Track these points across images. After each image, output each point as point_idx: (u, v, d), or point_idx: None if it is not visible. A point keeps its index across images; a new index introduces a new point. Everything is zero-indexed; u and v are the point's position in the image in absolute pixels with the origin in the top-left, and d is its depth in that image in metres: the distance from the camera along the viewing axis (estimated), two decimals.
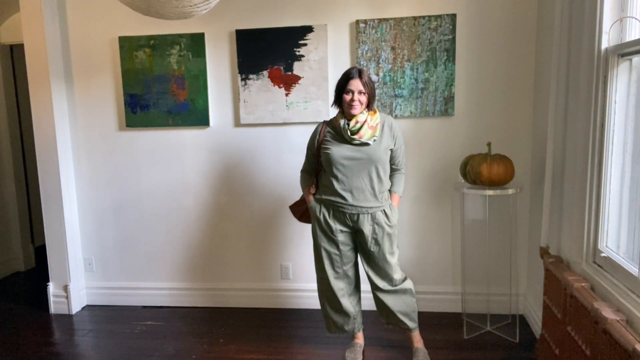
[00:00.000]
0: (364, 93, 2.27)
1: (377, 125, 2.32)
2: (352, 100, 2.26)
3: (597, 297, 1.80)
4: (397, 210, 2.48)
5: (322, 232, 2.43)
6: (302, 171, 2.58)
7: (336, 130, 2.36)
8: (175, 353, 2.73)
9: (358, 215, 2.35)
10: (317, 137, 2.42)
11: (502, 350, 2.65)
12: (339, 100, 2.34)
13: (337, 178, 2.33)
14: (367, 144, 2.30)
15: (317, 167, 2.47)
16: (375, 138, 2.32)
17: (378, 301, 2.52)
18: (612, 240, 1.92)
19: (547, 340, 2.26)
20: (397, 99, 2.94)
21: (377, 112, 2.36)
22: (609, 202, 1.91)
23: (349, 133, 2.29)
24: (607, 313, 1.64)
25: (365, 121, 2.29)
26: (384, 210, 2.38)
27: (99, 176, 3.34)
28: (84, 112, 3.29)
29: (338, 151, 2.32)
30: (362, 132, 2.28)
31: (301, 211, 2.63)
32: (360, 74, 2.27)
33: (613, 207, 1.91)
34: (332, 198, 2.37)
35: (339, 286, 2.49)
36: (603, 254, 1.92)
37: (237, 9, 3.04)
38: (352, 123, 2.29)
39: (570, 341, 1.96)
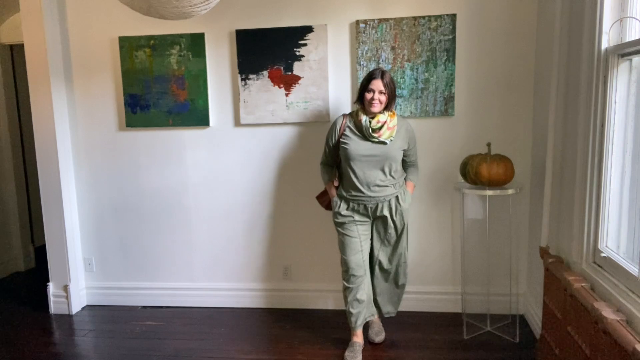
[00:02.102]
0: (384, 93, 2.45)
1: (395, 127, 2.52)
2: (372, 98, 2.44)
3: (597, 297, 1.80)
4: (410, 196, 2.68)
5: (344, 219, 2.59)
6: (321, 163, 2.73)
7: (357, 126, 2.52)
8: (175, 353, 2.74)
9: (377, 204, 2.55)
10: (338, 130, 2.56)
11: (502, 350, 2.65)
12: (361, 98, 2.50)
13: (354, 172, 2.51)
14: (384, 143, 2.48)
15: (337, 159, 2.63)
16: (392, 138, 2.51)
17: (379, 283, 2.76)
18: (612, 240, 1.92)
19: (547, 340, 2.26)
20: (397, 99, 2.94)
21: (396, 115, 2.55)
22: (609, 202, 1.91)
23: (370, 131, 2.45)
24: (607, 313, 1.64)
25: (385, 122, 2.48)
26: (397, 196, 2.59)
27: (99, 176, 3.34)
28: (84, 112, 3.29)
29: (356, 147, 2.50)
30: (381, 131, 2.47)
31: (327, 201, 2.75)
32: (382, 75, 2.45)
33: (613, 207, 1.91)
34: (352, 191, 2.55)
35: (361, 273, 2.60)
36: (603, 254, 1.92)
37: (237, 9, 3.04)
38: (374, 122, 2.47)
39: (570, 341, 1.96)
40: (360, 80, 2.73)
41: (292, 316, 3.17)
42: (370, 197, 2.52)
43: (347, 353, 2.60)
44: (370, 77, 2.46)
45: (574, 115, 2.19)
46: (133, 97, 3.18)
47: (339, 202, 2.60)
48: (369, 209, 2.56)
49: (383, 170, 2.50)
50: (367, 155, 2.48)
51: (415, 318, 3.06)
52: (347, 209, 2.58)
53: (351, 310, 2.63)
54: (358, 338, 2.66)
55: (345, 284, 2.63)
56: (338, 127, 2.57)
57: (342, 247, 2.62)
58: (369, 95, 2.45)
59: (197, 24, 3.05)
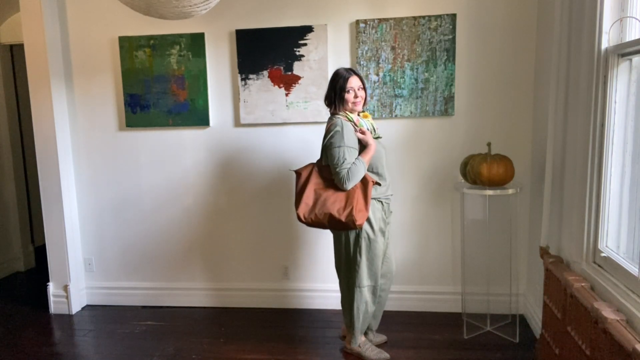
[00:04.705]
0: (363, 88, 2.40)
1: None
2: (355, 96, 2.37)
3: (597, 297, 1.80)
4: None
5: (381, 232, 2.43)
6: (348, 163, 2.28)
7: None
8: (175, 353, 2.73)
9: (391, 202, 2.54)
10: (354, 130, 2.35)
11: (502, 350, 2.65)
12: (340, 102, 2.37)
13: (384, 171, 2.45)
14: (379, 137, 2.50)
15: None
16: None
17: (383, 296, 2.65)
18: (612, 240, 1.92)
19: (547, 340, 2.26)
20: (397, 99, 2.94)
21: None
22: (609, 202, 1.91)
23: (374, 128, 2.45)
24: (607, 313, 1.64)
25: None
26: None
27: (99, 176, 3.34)
28: (84, 112, 3.29)
29: (381, 147, 2.45)
30: (376, 127, 2.49)
31: (365, 214, 2.30)
32: (354, 72, 2.40)
33: (613, 207, 1.91)
34: (386, 192, 2.46)
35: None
36: (603, 254, 1.92)
37: (237, 9, 3.04)
38: (370, 121, 2.46)
39: (570, 341, 1.96)
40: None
41: (292, 316, 3.17)
42: (391, 195, 2.51)
43: (371, 353, 2.55)
44: (344, 78, 2.34)
45: (574, 115, 2.19)
46: (133, 97, 3.18)
47: (377, 207, 2.39)
48: (389, 207, 2.52)
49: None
50: (385, 154, 2.47)
51: (415, 318, 3.06)
52: (383, 213, 2.43)
53: (366, 320, 2.55)
54: (363, 337, 2.63)
55: (371, 301, 2.47)
56: (353, 128, 2.34)
57: (375, 258, 2.39)
58: (350, 96, 2.35)
59: (197, 23, 3.05)
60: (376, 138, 2.46)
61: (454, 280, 3.12)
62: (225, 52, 3.09)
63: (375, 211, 2.37)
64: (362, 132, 2.35)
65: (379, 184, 2.36)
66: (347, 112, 2.40)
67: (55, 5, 3.12)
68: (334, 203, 2.27)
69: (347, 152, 2.28)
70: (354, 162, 2.28)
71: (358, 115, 2.45)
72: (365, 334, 2.68)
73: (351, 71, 2.38)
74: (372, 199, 2.33)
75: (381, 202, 2.42)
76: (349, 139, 2.29)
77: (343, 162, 2.26)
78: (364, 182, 2.30)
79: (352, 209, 2.22)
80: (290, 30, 2.97)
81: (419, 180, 3.04)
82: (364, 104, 2.45)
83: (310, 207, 2.33)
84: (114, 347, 2.83)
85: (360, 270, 2.39)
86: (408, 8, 2.89)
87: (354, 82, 2.35)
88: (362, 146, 2.36)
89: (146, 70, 3.14)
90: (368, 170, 2.37)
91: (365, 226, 2.34)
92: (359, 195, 2.27)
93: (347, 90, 2.35)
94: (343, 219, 2.23)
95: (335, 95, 2.37)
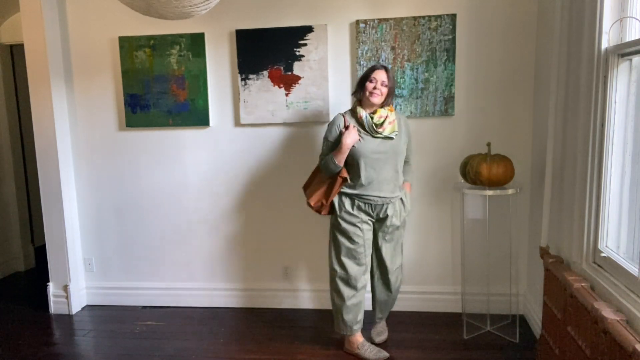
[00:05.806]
0: (386, 86, 2.40)
1: (395, 121, 2.48)
2: (374, 88, 2.39)
3: (597, 297, 1.80)
4: (410, 198, 2.68)
5: (352, 219, 2.48)
6: (322, 155, 2.54)
7: (359, 124, 2.46)
8: (175, 353, 2.74)
9: (383, 205, 2.49)
10: (341, 126, 2.47)
11: (502, 350, 2.65)
12: (361, 90, 2.45)
13: (366, 171, 2.43)
14: (391, 138, 2.45)
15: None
16: (396, 133, 2.47)
17: (378, 289, 2.70)
18: (612, 240, 1.92)
19: (547, 340, 2.26)
20: (397, 99, 2.94)
21: (394, 110, 2.52)
22: (609, 202, 1.91)
23: (374, 127, 2.42)
24: (607, 313, 1.64)
25: (387, 116, 2.44)
26: (401, 198, 2.56)
27: (99, 176, 3.34)
28: (84, 112, 3.29)
29: (364, 144, 2.42)
30: (384, 126, 2.43)
31: (320, 203, 2.52)
32: (386, 68, 2.44)
33: (613, 207, 1.91)
34: (360, 191, 2.45)
35: (362, 284, 2.55)
36: (603, 254, 1.92)
37: (237, 9, 3.04)
38: (376, 117, 2.43)
39: (570, 341, 1.96)
40: None
41: (292, 316, 3.17)
42: (379, 197, 2.44)
43: (370, 354, 2.56)
44: (373, 68, 2.42)
45: (574, 115, 2.19)
46: (133, 97, 3.18)
47: (344, 201, 2.48)
48: (376, 208, 2.47)
49: (394, 168, 2.47)
50: (377, 153, 2.41)
51: (415, 318, 3.06)
52: (352, 208, 2.47)
53: (355, 327, 2.59)
54: (361, 337, 2.65)
55: (343, 291, 2.53)
56: (340, 124, 2.46)
57: (343, 252, 2.50)
58: (370, 85, 2.38)
59: (197, 24, 3.05)
60: (385, 138, 2.43)
61: (454, 280, 3.12)
62: (225, 52, 3.09)
63: (340, 204, 2.49)
64: (347, 128, 2.43)
65: (347, 180, 2.46)
66: (360, 106, 2.47)
67: (55, 5, 3.12)
68: (312, 186, 2.59)
69: (325, 145, 2.52)
70: (327, 156, 2.47)
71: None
72: (374, 320, 2.80)
73: (383, 67, 2.43)
74: (342, 193, 2.48)
75: (352, 199, 2.47)
76: (330, 133, 2.49)
77: (321, 153, 2.55)
78: (335, 175, 2.47)
79: (310, 192, 2.56)
80: (290, 31, 2.97)
81: (419, 180, 3.04)
82: (384, 104, 2.45)
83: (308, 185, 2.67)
84: (114, 347, 2.83)
85: (330, 252, 2.59)
86: (408, 8, 2.89)
87: (379, 74, 2.40)
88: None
89: (146, 70, 3.14)
90: (349, 165, 2.46)
91: (336, 214, 2.52)
92: (326, 184, 2.52)
93: (370, 79, 2.40)
94: (306, 198, 2.59)
95: (360, 83, 2.46)
